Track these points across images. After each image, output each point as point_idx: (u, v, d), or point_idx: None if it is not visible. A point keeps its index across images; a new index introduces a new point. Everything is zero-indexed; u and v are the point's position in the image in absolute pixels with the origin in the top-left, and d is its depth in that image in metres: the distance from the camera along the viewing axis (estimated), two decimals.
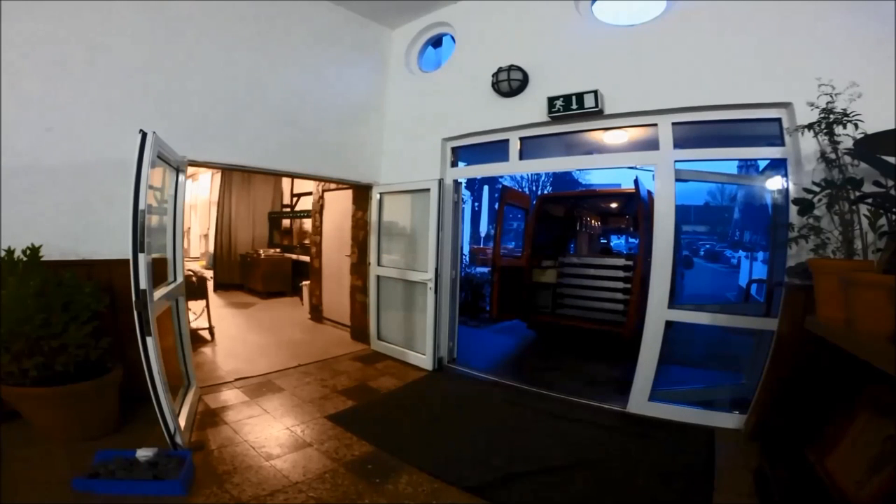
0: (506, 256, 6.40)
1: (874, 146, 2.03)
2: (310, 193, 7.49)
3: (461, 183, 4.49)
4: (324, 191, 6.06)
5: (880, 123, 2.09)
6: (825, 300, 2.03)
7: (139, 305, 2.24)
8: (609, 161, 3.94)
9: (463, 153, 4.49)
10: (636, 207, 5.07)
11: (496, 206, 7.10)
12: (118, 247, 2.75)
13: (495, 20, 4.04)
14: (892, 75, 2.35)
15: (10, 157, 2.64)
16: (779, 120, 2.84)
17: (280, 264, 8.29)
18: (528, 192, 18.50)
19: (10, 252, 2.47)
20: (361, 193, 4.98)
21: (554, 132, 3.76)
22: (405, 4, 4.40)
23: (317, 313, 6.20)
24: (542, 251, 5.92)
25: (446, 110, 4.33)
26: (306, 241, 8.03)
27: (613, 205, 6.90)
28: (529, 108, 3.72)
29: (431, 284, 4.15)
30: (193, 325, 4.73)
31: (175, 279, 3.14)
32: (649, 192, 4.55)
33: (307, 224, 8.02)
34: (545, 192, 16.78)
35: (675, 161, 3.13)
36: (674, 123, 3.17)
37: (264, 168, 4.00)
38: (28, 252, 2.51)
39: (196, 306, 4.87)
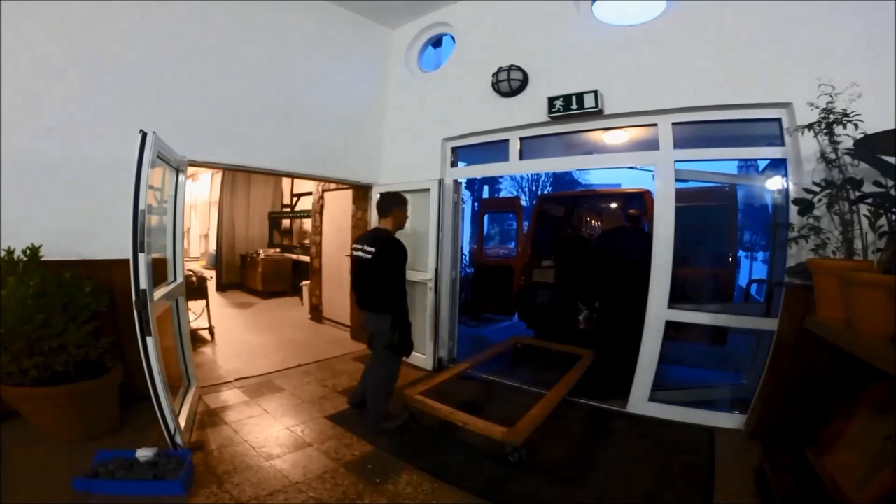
0: (497, 257, 6.68)
1: (874, 146, 2.03)
2: (310, 193, 7.49)
3: (461, 183, 4.49)
4: (324, 191, 6.06)
5: (880, 123, 2.09)
6: (825, 300, 2.03)
7: (139, 305, 2.24)
8: (609, 161, 3.93)
9: (463, 153, 4.49)
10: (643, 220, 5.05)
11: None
12: (118, 247, 2.75)
13: (495, 20, 4.04)
14: (892, 75, 2.35)
15: (10, 156, 2.64)
16: (779, 120, 2.83)
17: (280, 264, 8.29)
18: (527, 193, 18.49)
19: (10, 252, 2.47)
20: (361, 193, 4.98)
21: (554, 132, 3.76)
22: (405, 4, 4.40)
23: (317, 313, 6.20)
24: (543, 251, 5.92)
25: (446, 110, 4.33)
26: (306, 241, 8.03)
27: (613, 205, 6.90)
28: (529, 108, 3.72)
29: (431, 284, 4.15)
30: (193, 325, 4.73)
31: (175, 279, 3.14)
32: (649, 192, 4.55)
33: (307, 224, 8.02)
34: (545, 192, 16.77)
35: (675, 161, 3.13)
36: (674, 123, 3.17)
37: (264, 168, 4.00)
38: (28, 252, 2.51)
39: (196, 306, 4.87)
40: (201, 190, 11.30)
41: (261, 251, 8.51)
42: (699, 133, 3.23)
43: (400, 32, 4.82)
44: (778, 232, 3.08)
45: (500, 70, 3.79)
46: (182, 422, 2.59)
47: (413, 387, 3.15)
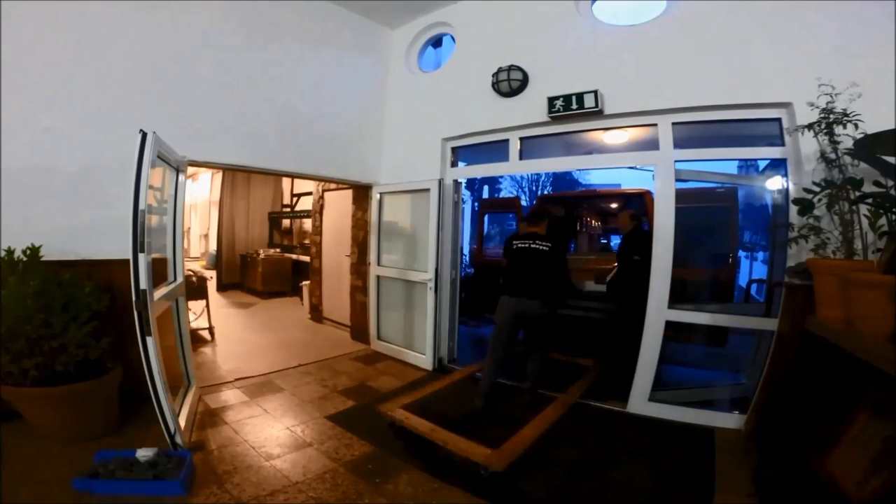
0: (497, 257, 6.66)
1: (874, 146, 2.03)
2: (310, 193, 7.49)
3: (461, 183, 4.49)
4: (324, 191, 6.06)
5: (880, 123, 2.09)
6: (825, 300, 2.03)
7: (139, 305, 2.24)
8: (609, 161, 3.94)
9: (463, 153, 4.49)
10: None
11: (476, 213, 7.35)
12: (118, 247, 2.73)
13: (495, 20, 4.04)
14: (892, 75, 2.35)
15: (10, 157, 2.64)
16: (779, 120, 2.84)
17: (280, 264, 8.29)
18: (527, 192, 18.48)
19: (10, 252, 2.47)
20: (361, 193, 4.98)
21: (554, 132, 3.76)
22: (405, 4, 4.40)
23: (317, 313, 6.20)
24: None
25: (446, 110, 4.33)
26: (306, 241, 8.03)
27: (614, 205, 6.91)
28: (529, 108, 3.72)
29: (431, 284, 4.15)
30: (193, 325, 4.73)
31: (175, 279, 3.14)
32: (649, 193, 4.54)
33: (307, 224, 8.03)
34: (545, 191, 16.77)
35: (675, 161, 3.13)
36: (674, 123, 3.17)
37: (264, 168, 4.00)
38: (28, 252, 2.51)
39: (196, 306, 4.87)
40: (201, 190, 11.30)
41: (261, 251, 8.51)
42: (699, 133, 3.24)
43: (400, 32, 4.82)
44: (778, 232, 3.08)
45: (500, 70, 3.79)
46: (182, 422, 2.59)
47: (397, 398, 3.01)
